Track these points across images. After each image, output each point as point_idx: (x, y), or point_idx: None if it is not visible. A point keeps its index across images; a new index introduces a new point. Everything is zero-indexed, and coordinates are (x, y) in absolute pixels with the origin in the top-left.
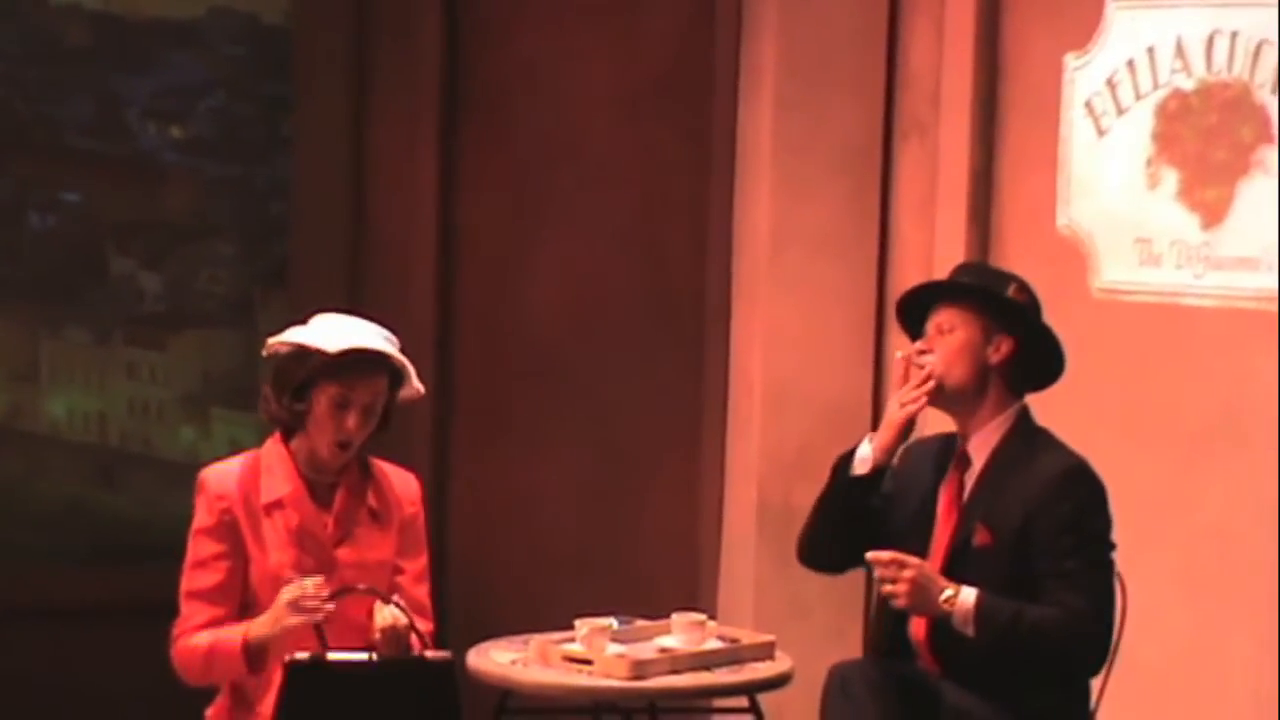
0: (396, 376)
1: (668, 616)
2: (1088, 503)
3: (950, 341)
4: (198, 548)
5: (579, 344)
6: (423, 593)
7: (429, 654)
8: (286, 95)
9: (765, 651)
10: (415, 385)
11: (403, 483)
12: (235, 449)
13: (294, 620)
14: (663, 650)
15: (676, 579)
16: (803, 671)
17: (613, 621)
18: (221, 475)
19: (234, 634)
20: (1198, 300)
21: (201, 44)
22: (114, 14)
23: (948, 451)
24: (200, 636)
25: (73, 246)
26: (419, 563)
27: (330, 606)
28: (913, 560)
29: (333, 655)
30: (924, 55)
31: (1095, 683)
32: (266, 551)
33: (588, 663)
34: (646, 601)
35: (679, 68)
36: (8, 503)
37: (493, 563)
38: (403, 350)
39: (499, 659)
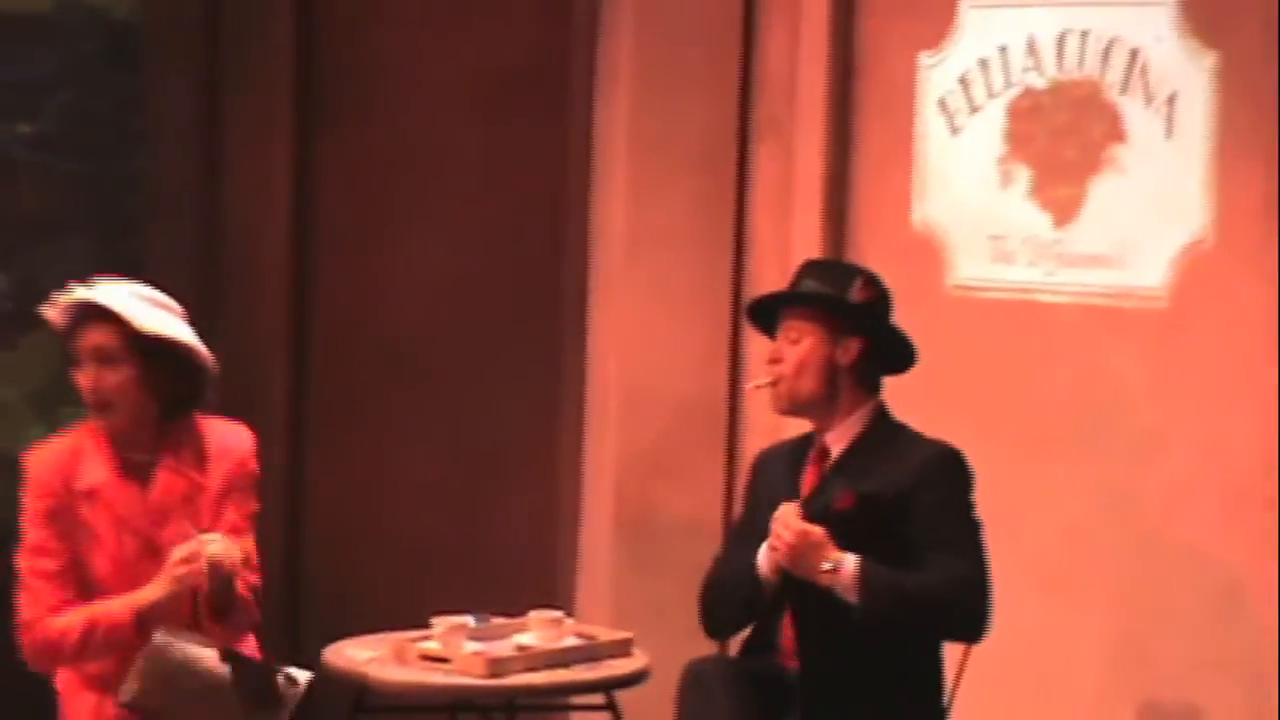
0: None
1: (525, 614)
2: (965, 484)
3: (798, 351)
4: (34, 533)
5: (436, 342)
6: (248, 545)
7: (287, 672)
8: (137, 90)
9: (622, 649)
10: (168, 334)
11: (230, 440)
12: None
13: (189, 580)
14: (520, 648)
15: (534, 577)
16: (660, 669)
17: (470, 619)
18: (43, 463)
19: (114, 606)
20: (1050, 297)
21: (50, 38)
22: None
23: (803, 450)
24: (67, 617)
25: None
26: (243, 512)
27: (203, 565)
28: (801, 525)
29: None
30: (779, 53)
31: (948, 679)
32: (94, 538)
33: (445, 660)
34: (504, 599)
35: (535, 64)
36: None
37: (349, 561)
38: (258, 347)
39: (355, 657)
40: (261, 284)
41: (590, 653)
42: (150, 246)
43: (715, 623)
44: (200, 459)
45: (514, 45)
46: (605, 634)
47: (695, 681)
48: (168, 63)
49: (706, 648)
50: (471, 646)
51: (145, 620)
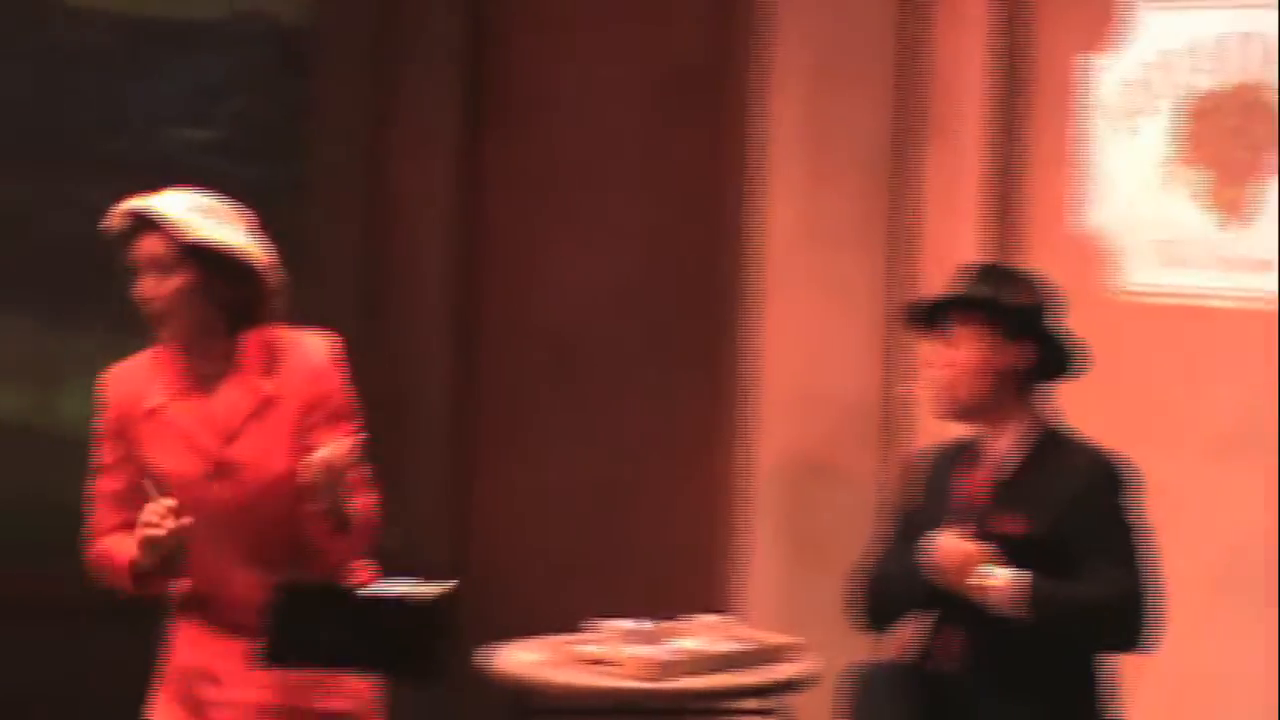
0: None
1: (689, 618)
2: (1129, 493)
3: (960, 356)
4: (100, 451)
5: (599, 343)
6: (357, 473)
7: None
8: (306, 96)
9: (788, 653)
10: (219, 241)
11: (307, 354)
12: None
13: (147, 549)
14: (685, 651)
15: (696, 580)
16: (825, 674)
17: (634, 623)
18: (115, 379)
19: (124, 547)
20: (1220, 301)
21: (223, 45)
22: (135, 15)
23: (966, 452)
24: (105, 542)
25: (92, 249)
26: (340, 428)
27: (167, 530)
28: (960, 545)
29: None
30: (947, 54)
31: (1118, 686)
32: (158, 457)
33: (610, 664)
34: (665, 602)
35: (701, 64)
36: (32, 501)
37: (514, 563)
38: (422, 350)
39: (520, 659)
40: (426, 287)
41: (754, 657)
42: (316, 253)
43: (868, 617)
44: (272, 371)
45: (680, 46)
46: (771, 638)
47: (860, 685)
48: (337, 68)
49: (872, 652)
50: (636, 650)
51: (137, 575)
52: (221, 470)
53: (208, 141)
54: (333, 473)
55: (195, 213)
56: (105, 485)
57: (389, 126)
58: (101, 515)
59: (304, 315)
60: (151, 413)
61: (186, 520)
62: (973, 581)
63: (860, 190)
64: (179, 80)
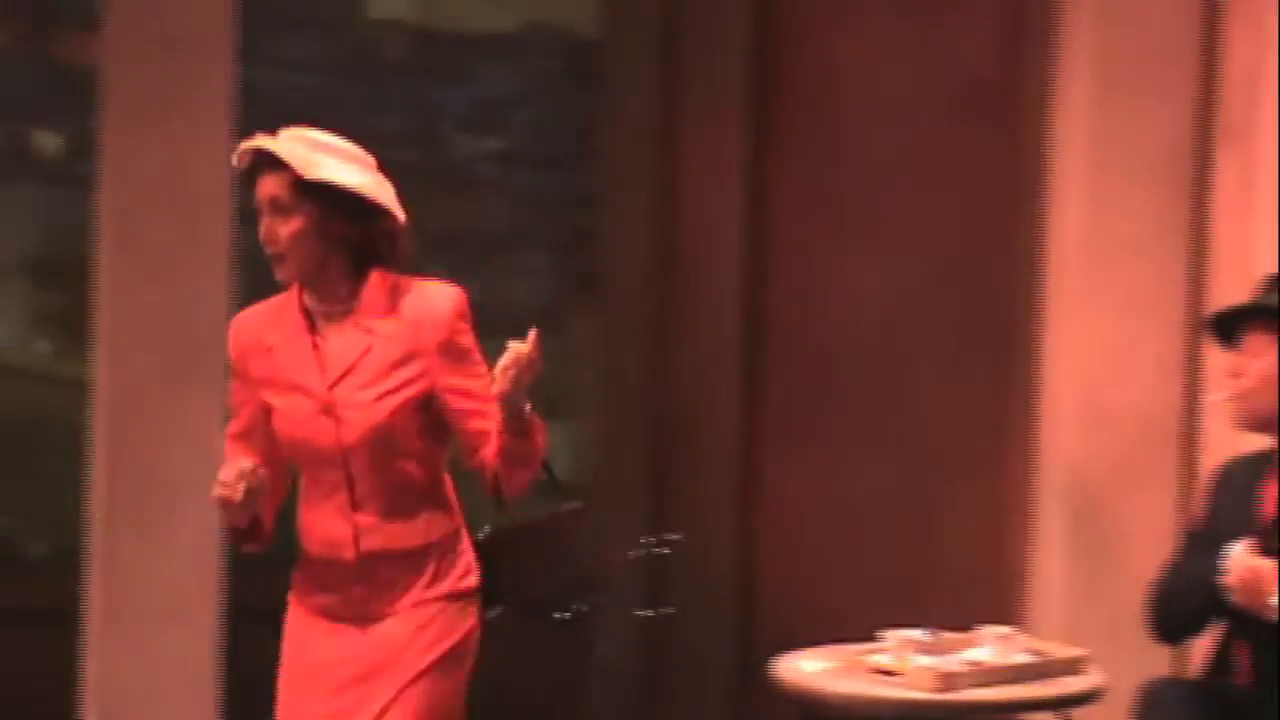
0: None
1: (978, 629)
2: None
3: (1260, 366)
4: (232, 390)
5: (885, 351)
6: (488, 419)
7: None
8: (597, 107)
9: (1076, 666)
10: (337, 180)
11: (428, 301)
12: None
13: (223, 503)
14: (971, 663)
15: (984, 591)
16: (1114, 688)
17: (921, 633)
18: (241, 320)
19: None
20: None
21: (515, 57)
22: (432, 27)
23: (1266, 465)
24: None
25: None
26: (473, 383)
27: (240, 495)
28: (1253, 562)
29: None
30: (1241, 59)
31: None
32: (273, 396)
33: (895, 674)
34: (953, 613)
35: (991, 74)
36: None
37: (800, 574)
38: (711, 357)
39: (806, 669)
40: (715, 295)
41: (1043, 669)
42: (605, 261)
43: (1165, 628)
44: (390, 314)
45: (969, 55)
46: (1058, 650)
47: (1152, 702)
48: (627, 79)
49: (1162, 667)
50: (922, 661)
51: (229, 532)
52: (328, 409)
53: (499, 151)
54: (522, 364)
55: (315, 151)
56: (234, 427)
57: (677, 137)
58: (230, 458)
59: (593, 321)
60: (269, 350)
61: (262, 471)
62: (1264, 601)
63: (1156, 198)
64: (472, 90)
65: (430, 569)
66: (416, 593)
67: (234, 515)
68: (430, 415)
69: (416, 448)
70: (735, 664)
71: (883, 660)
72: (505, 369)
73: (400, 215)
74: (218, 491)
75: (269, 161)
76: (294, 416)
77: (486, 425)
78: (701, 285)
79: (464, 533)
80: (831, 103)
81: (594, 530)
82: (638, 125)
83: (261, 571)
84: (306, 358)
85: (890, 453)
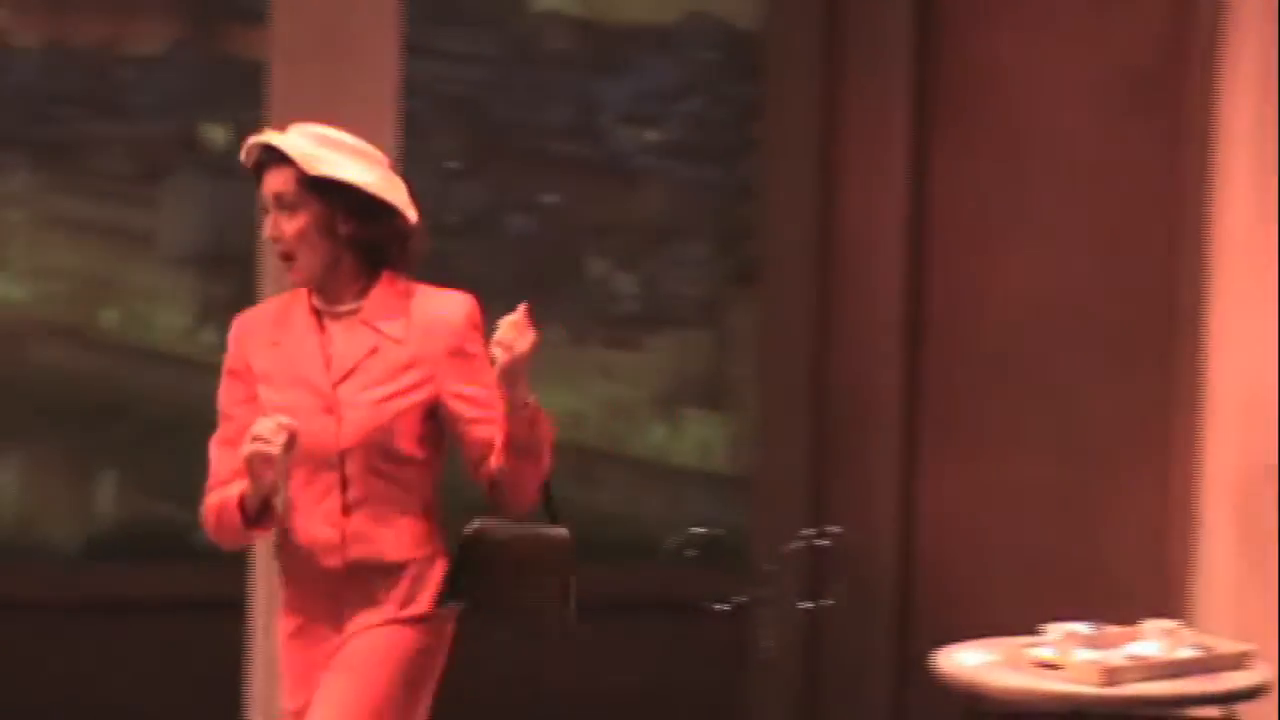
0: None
1: (1142, 623)
2: None
3: None
4: (223, 393)
5: (1047, 345)
6: (494, 427)
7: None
8: (757, 98)
9: (1242, 661)
10: (342, 177)
11: (439, 307)
12: (705, 449)
13: (254, 466)
14: (1135, 657)
15: (1147, 585)
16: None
17: (1084, 627)
18: (245, 317)
19: (238, 489)
20: None
21: (675, 49)
22: (593, 19)
23: None
24: (218, 493)
25: (551, 248)
26: (480, 391)
27: (279, 446)
28: None
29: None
30: None
31: None
32: (272, 392)
33: (1058, 668)
34: (1116, 607)
35: (1156, 65)
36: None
37: (960, 565)
38: (872, 352)
39: (968, 662)
40: (875, 289)
41: (1208, 664)
42: (766, 251)
43: None
44: (398, 316)
45: (1135, 46)
46: (1224, 645)
47: None
48: (787, 71)
49: None
50: (1085, 654)
51: (248, 512)
52: (330, 408)
53: (660, 143)
54: (520, 333)
55: (322, 148)
56: (222, 434)
57: (838, 129)
58: (217, 466)
59: (753, 313)
60: (275, 346)
61: (295, 426)
62: None
63: None
64: (633, 83)
65: (406, 586)
66: (390, 609)
67: (264, 477)
68: (432, 424)
69: (415, 455)
70: (895, 656)
71: (1045, 654)
72: (498, 341)
73: (411, 215)
74: (253, 447)
75: (276, 157)
76: (294, 414)
77: (492, 434)
78: (862, 278)
79: (441, 559)
80: (994, 95)
81: (571, 562)
82: (798, 117)
83: None
84: (313, 355)
85: (1052, 446)
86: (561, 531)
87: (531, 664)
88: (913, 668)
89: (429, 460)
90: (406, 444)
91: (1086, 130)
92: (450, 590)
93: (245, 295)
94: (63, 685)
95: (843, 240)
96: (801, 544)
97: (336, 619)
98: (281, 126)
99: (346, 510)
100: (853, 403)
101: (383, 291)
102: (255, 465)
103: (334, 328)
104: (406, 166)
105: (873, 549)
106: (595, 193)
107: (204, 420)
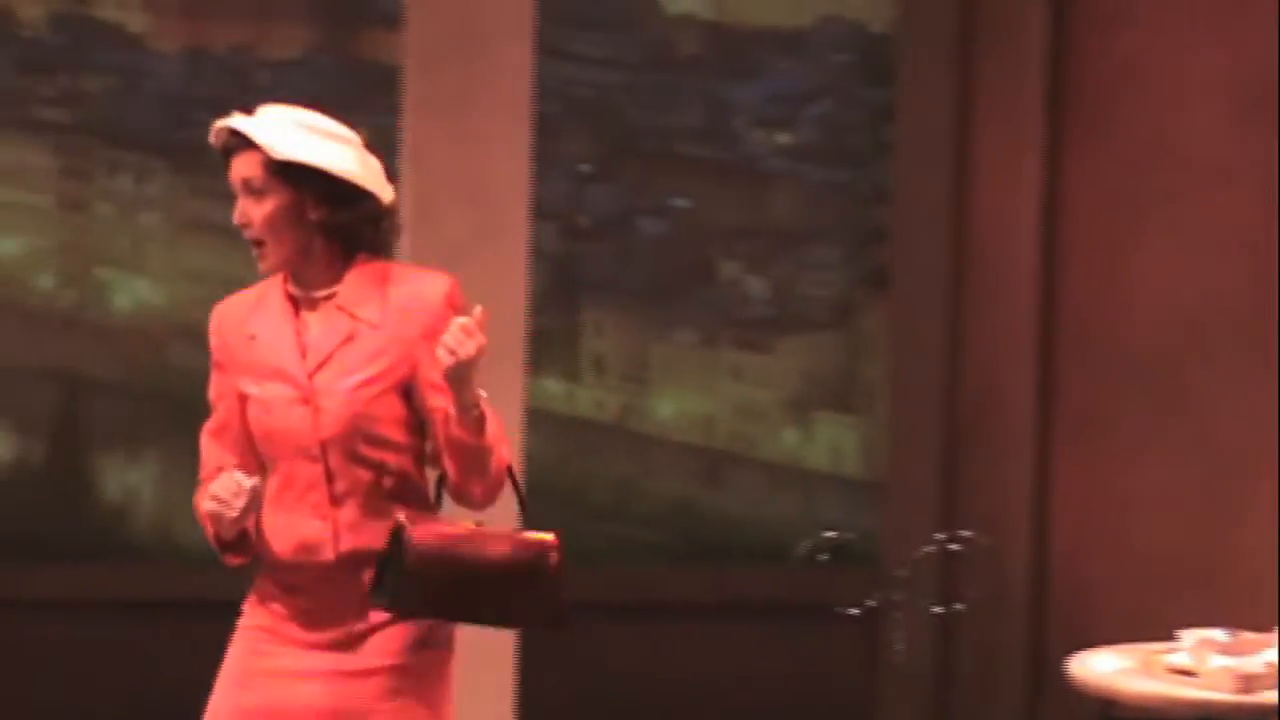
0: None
1: (1275, 629)
2: None
3: None
4: (211, 384)
5: (1183, 349)
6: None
7: (535, 535)
8: (890, 101)
9: None
10: (310, 160)
11: (419, 286)
12: (836, 453)
13: (214, 522)
14: (1272, 664)
15: None
16: None
17: (1219, 633)
18: (223, 307)
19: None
20: None
21: (807, 52)
22: (726, 23)
23: None
24: (205, 488)
25: (682, 251)
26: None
27: (238, 511)
28: None
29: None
30: None
31: None
32: (250, 383)
33: (1193, 675)
34: (1252, 613)
35: None
36: (620, 500)
37: (1094, 570)
38: (1004, 354)
39: (1102, 668)
40: (1009, 292)
41: None
42: (898, 255)
43: None
44: (374, 301)
45: (1272, 44)
46: None
47: None
48: (921, 74)
49: None
50: (1220, 661)
51: (221, 541)
52: (307, 398)
53: (792, 146)
54: (468, 337)
55: (290, 130)
56: (210, 423)
57: (971, 131)
58: (206, 457)
59: (885, 316)
60: (251, 339)
61: (256, 485)
62: None
63: None
64: (765, 86)
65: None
66: (395, 629)
67: (223, 529)
68: (413, 408)
69: (399, 440)
70: (1029, 661)
71: (1180, 660)
72: (443, 343)
73: (385, 195)
74: (210, 507)
75: (243, 141)
76: (272, 406)
77: None
78: (996, 280)
79: None
80: (1130, 96)
81: (559, 572)
82: (932, 120)
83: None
84: (289, 345)
85: (1187, 449)
86: (546, 537)
87: (663, 665)
88: (1046, 673)
89: (415, 444)
90: (389, 429)
91: (1222, 131)
92: (396, 591)
93: None
94: (204, 684)
95: (975, 242)
96: (933, 548)
97: (333, 634)
98: (419, 128)
99: (335, 503)
100: (985, 405)
101: (358, 275)
102: (216, 522)
103: (309, 315)
104: (539, 169)
105: (1005, 553)
106: (727, 196)
107: None
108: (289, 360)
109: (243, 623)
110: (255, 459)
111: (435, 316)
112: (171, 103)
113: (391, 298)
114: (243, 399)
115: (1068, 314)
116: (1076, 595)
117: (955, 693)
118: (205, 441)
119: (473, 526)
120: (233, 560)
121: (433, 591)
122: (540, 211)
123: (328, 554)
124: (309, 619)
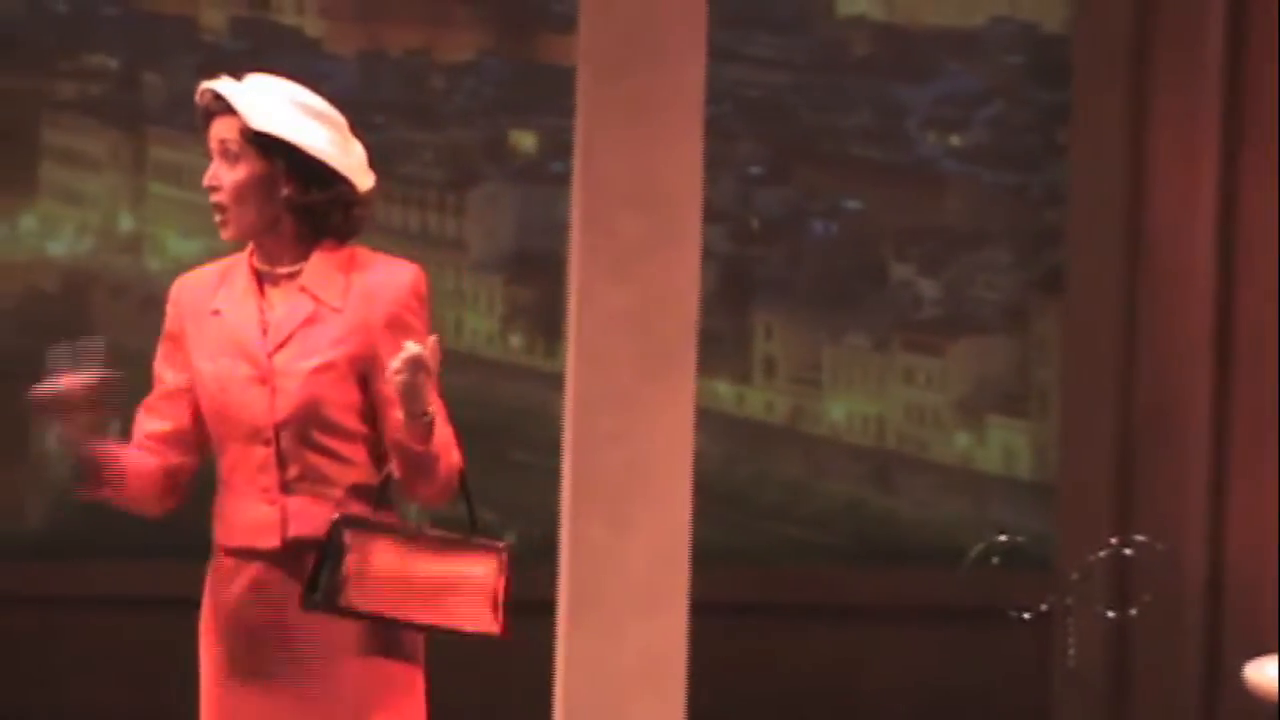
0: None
1: None
2: None
3: None
4: (158, 357)
5: None
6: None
7: (482, 541)
8: (1063, 103)
9: None
10: (287, 135)
11: (382, 275)
12: (1009, 456)
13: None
14: None
15: None
16: None
17: None
18: (184, 280)
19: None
20: None
21: (980, 53)
22: (897, 24)
23: None
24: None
25: (853, 254)
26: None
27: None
28: None
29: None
30: None
31: None
32: (205, 359)
33: None
34: None
35: None
36: (791, 501)
37: (1271, 573)
38: (1180, 359)
39: (1277, 673)
40: (1185, 295)
41: None
42: (1071, 258)
43: None
44: (338, 284)
45: None
46: None
47: None
48: (1096, 76)
49: None
50: None
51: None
52: (264, 378)
53: (964, 148)
54: (418, 366)
55: (277, 103)
56: (148, 399)
57: (1147, 132)
58: (135, 430)
59: (1058, 319)
60: (215, 314)
61: (112, 378)
62: None
63: None
64: (937, 87)
65: None
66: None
67: (68, 430)
68: (368, 395)
69: (352, 429)
70: (1204, 667)
71: None
72: (395, 370)
73: (361, 184)
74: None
75: (226, 105)
76: (227, 385)
77: None
78: (1171, 283)
79: None
80: None
81: (506, 580)
82: (1106, 122)
83: (722, 566)
84: (251, 322)
85: None
86: (493, 544)
87: (833, 667)
88: (1222, 679)
89: (370, 433)
90: (344, 415)
91: None
92: (328, 590)
93: (552, 300)
94: None
95: (1150, 245)
96: (1107, 552)
97: (280, 634)
98: (593, 131)
99: (285, 489)
100: (1160, 409)
101: (322, 256)
102: (50, 419)
103: (273, 293)
104: (709, 171)
105: (1181, 558)
106: (898, 198)
107: (511, 424)
108: (250, 338)
109: (202, 642)
110: (194, 436)
111: (399, 305)
112: (348, 106)
113: (355, 282)
114: (195, 376)
115: (1244, 316)
116: (1253, 599)
117: (1129, 698)
118: (140, 414)
119: (414, 526)
120: (95, 491)
121: (367, 592)
122: (711, 214)
123: (274, 539)
124: (257, 617)
